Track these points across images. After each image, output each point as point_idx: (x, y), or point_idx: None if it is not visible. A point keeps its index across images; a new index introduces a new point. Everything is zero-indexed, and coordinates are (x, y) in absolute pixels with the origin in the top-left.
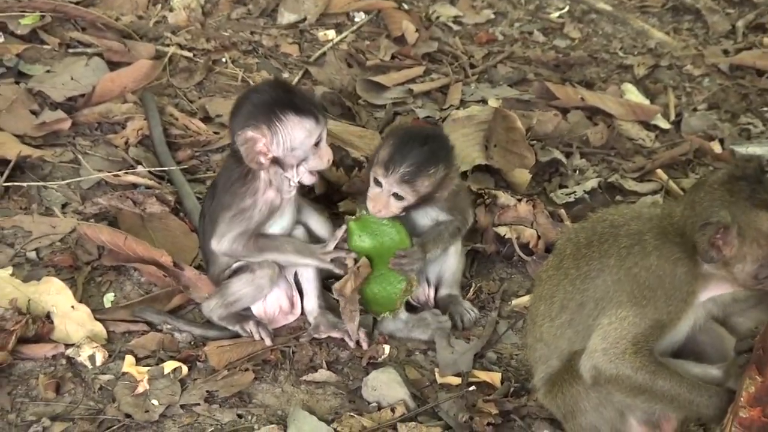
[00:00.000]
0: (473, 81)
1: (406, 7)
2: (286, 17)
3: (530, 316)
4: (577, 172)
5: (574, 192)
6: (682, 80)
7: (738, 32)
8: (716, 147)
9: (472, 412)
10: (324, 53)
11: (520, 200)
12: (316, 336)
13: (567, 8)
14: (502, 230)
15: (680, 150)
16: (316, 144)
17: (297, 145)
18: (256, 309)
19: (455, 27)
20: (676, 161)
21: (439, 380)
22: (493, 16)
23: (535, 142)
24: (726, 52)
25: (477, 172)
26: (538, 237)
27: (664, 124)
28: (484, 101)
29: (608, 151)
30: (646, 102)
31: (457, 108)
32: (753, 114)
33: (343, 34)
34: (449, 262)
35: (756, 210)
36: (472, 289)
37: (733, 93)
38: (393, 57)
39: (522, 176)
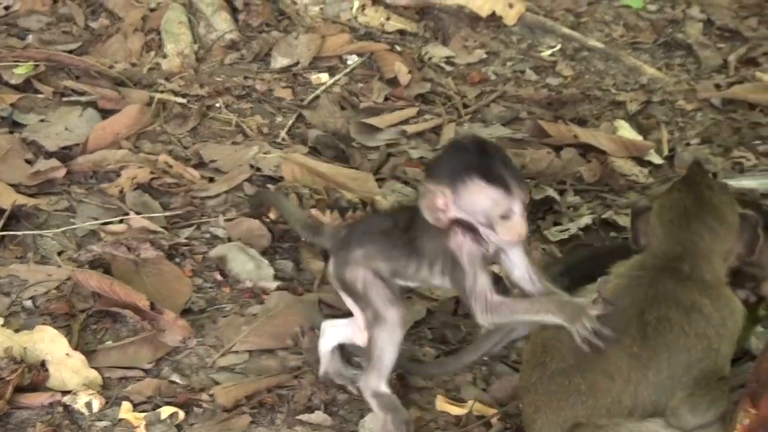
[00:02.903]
0: (466, 121)
1: (398, 48)
2: (279, 61)
3: None
4: (571, 209)
5: (568, 229)
6: (675, 115)
7: (730, 66)
8: None
9: None
10: (317, 96)
11: None
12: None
13: (559, 46)
14: (495, 268)
15: None
16: (505, 216)
17: (479, 212)
18: None
19: (448, 67)
20: None
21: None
22: (485, 56)
23: (528, 180)
24: (718, 87)
25: None
26: None
27: (657, 160)
28: None
29: (602, 187)
30: (639, 138)
31: None
32: (745, 147)
33: (336, 77)
34: None
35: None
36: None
37: (725, 127)
38: (386, 99)
39: None
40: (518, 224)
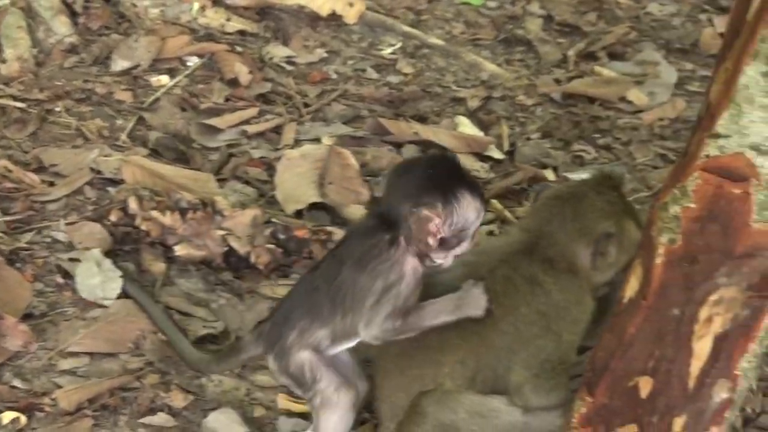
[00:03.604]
0: (307, 120)
1: (239, 49)
2: (120, 64)
3: None
4: None
5: None
6: (515, 110)
7: (569, 61)
8: (550, 175)
9: None
10: (157, 99)
11: None
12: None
13: (399, 44)
14: None
15: (514, 179)
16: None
17: (467, 227)
18: None
19: (288, 67)
20: (510, 190)
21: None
22: (326, 55)
23: (370, 177)
24: (558, 81)
25: (313, 210)
26: None
27: (498, 155)
28: (318, 140)
29: None
30: (480, 134)
31: (292, 147)
32: (585, 141)
33: (176, 79)
34: None
35: (627, 219)
36: None
37: (565, 121)
38: (227, 99)
39: (357, 212)
40: (477, 236)
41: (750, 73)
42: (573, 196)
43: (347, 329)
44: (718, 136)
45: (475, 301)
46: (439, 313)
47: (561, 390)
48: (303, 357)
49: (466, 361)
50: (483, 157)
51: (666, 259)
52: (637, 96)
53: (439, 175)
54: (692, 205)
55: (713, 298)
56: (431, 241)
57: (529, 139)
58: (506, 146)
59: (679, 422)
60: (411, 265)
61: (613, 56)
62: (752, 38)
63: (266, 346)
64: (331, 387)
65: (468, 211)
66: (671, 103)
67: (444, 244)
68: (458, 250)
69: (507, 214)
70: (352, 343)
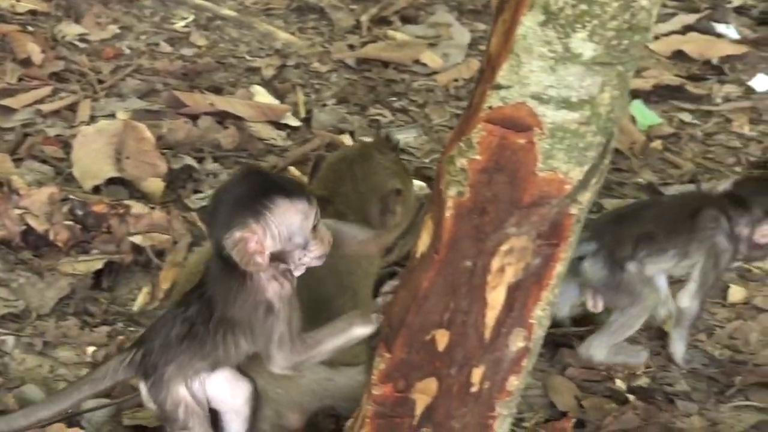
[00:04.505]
0: (102, 96)
1: (30, 29)
2: None
3: None
4: (211, 176)
5: (209, 196)
6: (310, 78)
7: (362, 27)
8: (347, 140)
9: None
10: None
11: (153, 208)
12: None
13: (192, 17)
14: (138, 239)
15: (311, 146)
16: (314, 227)
17: (296, 232)
18: None
19: (81, 45)
20: (308, 157)
21: None
22: (119, 31)
23: (167, 150)
24: (352, 47)
25: (110, 185)
26: (175, 242)
27: (295, 122)
28: (113, 115)
29: (240, 153)
30: (276, 102)
31: (87, 124)
32: (381, 105)
33: None
34: None
35: (408, 179)
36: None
37: (360, 86)
38: (20, 79)
39: (155, 185)
40: (323, 231)
41: (527, 23)
42: (360, 157)
43: (232, 358)
44: (499, 87)
45: (365, 312)
46: (341, 329)
47: (362, 345)
48: (181, 396)
49: None
50: (279, 125)
51: (455, 211)
52: (431, 58)
53: (245, 192)
54: (478, 157)
55: (504, 248)
56: (260, 259)
57: (324, 105)
58: (302, 113)
59: (477, 373)
60: (272, 289)
61: (406, 20)
62: None
63: (140, 374)
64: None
65: (288, 216)
66: (465, 63)
67: (284, 256)
68: (311, 254)
69: (305, 180)
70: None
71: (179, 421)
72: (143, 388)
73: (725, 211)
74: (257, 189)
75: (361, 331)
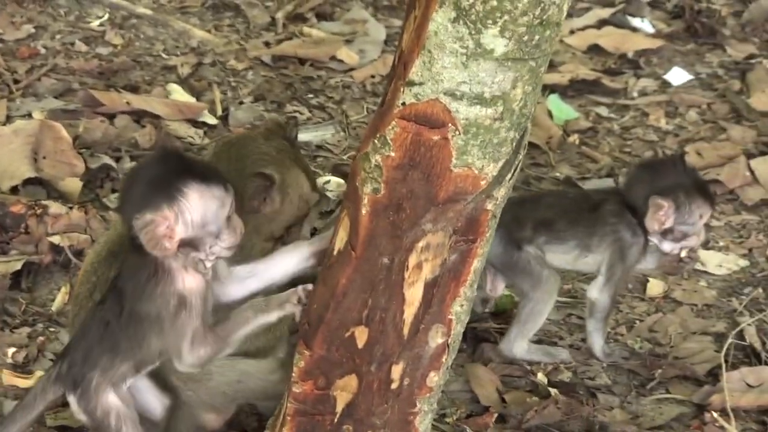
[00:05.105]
0: (18, 96)
1: None
2: None
3: None
4: None
5: None
6: (227, 75)
7: (278, 24)
8: None
9: None
10: None
11: (72, 208)
12: None
13: (107, 16)
14: (57, 239)
15: None
16: (228, 216)
17: (210, 219)
18: None
19: None
20: None
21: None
22: (33, 31)
23: (84, 150)
24: (268, 44)
25: (28, 185)
26: (93, 242)
27: (212, 120)
28: (29, 115)
29: None
30: (193, 100)
31: (3, 124)
32: (298, 102)
33: None
34: None
35: (295, 168)
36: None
37: (277, 83)
38: None
39: (73, 185)
40: (237, 221)
41: (438, 19)
42: (240, 140)
43: (150, 357)
44: (412, 83)
45: (281, 296)
46: (247, 318)
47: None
48: (111, 402)
49: None
50: (197, 123)
51: (371, 208)
52: (347, 55)
53: (161, 174)
54: (392, 154)
55: (421, 244)
56: (167, 244)
57: (242, 103)
58: (219, 111)
59: (397, 369)
60: (185, 281)
61: (322, 16)
62: None
63: (67, 387)
64: None
65: (203, 202)
66: (381, 59)
67: (195, 243)
68: (222, 244)
69: None
70: (156, 364)
71: (111, 428)
72: (72, 400)
73: (628, 205)
74: (174, 172)
75: (266, 318)
